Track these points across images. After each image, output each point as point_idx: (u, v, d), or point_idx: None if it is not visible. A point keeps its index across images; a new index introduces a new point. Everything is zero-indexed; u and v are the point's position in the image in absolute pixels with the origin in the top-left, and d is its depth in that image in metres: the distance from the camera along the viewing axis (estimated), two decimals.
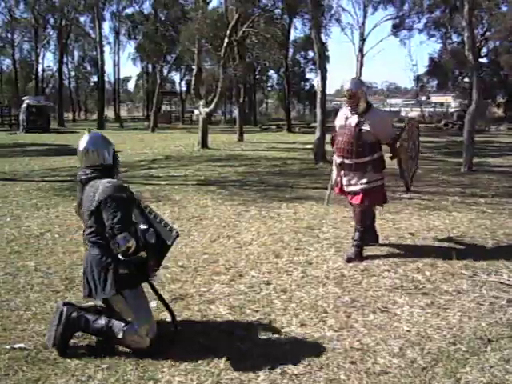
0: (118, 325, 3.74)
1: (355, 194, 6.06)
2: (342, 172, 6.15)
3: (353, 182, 6.05)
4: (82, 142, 4.06)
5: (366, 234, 6.22)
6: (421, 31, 45.98)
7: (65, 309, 3.86)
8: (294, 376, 3.47)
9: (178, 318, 4.36)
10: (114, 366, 3.59)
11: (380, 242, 6.61)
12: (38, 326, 4.25)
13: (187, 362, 3.64)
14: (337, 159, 6.21)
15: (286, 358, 3.71)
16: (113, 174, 4.03)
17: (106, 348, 3.79)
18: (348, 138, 6.01)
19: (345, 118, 6.14)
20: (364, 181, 6.00)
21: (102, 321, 3.81)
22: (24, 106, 35.25)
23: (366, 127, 5.94)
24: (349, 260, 5.91)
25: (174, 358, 3.69)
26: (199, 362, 3.65)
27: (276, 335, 4.09)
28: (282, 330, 4.18)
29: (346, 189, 6.16)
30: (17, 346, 3.92)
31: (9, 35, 56.08)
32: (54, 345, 3.80)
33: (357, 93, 6.01)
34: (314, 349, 3.87)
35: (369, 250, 6.35)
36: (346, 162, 6.05)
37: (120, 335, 3.71)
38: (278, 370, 3.54)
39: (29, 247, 6.58)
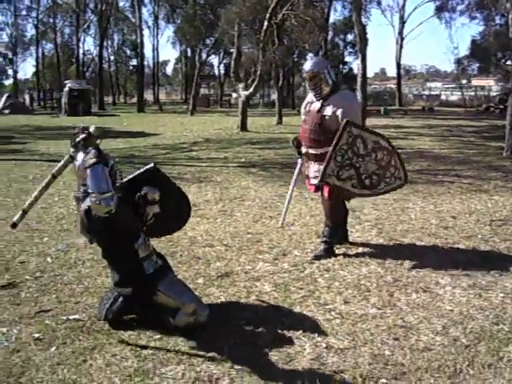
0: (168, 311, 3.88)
1: (322, 186, 5.46)
2: (308, 163, 5.66)
3: (318, 173, 5.35)
4: (78, 157, 3.97)
5: (338, 230, 5.71)
6: (463, 13, 45.09)
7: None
8: (339, 350, 3.58)
9: (225, 294, 4.53)
10: (166, 337, 3.75)
11: (350, 240, 6.03)
12: (91, 299, 4.45)
13: (235, 335, 3.78)
14: (302, 149, 5.71)
15: (331, 333, 3.83)
16: None
17: (157, 321, 3.95)
18: (311, 126, 5.46)
19: (309, 103, 5.62)
20: None
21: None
22: (66, 89, 35.86)
23: (329, 113, 5.35)
24: (317, 258, 5.42)
25: (223, 331, 3.83)
26: (247, 335, 3.80)
27: (321, 311, 4.20)
28: (327, 307, 4.29)
29: (312, 181, 5.61)
30: (72, 317, 4.13)
31: (51, 20, 57.03)
32: (105, 319, 3.99)
33: (318, 74, 5.40)
34: (358, 325, 3.97)
35: (410, 232, 6.41)
36: (311, 151, 5.52)
37: (172, 321, 3.85)
38: (323, 344, 3.66)
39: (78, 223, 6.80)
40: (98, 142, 3.95)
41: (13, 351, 3.60)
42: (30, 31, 64.18)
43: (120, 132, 20.88)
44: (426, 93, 59.26)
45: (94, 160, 3.67)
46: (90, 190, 3.61)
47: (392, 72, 72.55)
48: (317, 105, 5.49)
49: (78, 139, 3.91)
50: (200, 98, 46.22)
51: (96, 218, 3.66)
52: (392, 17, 68.51)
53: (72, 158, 3.97)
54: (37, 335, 3.82)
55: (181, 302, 3.82)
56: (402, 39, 49.50)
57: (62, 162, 3.96)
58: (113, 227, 3.73)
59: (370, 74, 70.87)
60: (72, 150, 3.97)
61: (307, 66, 5.62)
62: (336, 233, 5.64)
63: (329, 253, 5.51)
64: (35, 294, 4.59)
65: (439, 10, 46.82)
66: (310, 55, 38.81)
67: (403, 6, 49.52)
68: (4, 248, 5.89)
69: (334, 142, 5.08)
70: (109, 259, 3.98)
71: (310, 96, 5.67)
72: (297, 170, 6.01)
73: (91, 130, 3.98)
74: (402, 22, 49.51)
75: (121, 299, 3.92)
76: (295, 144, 5.84)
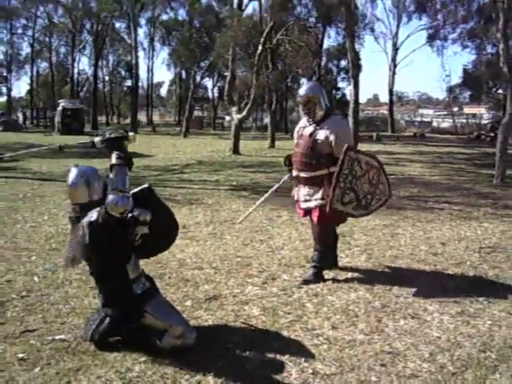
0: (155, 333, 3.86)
1: (312, 210, 5.51)
2: (298, 187, 5.69)
3: (308, 197, 5.49)
4: (71, 176, 3.97)
5: (327, 254, 5.70)
6: (455, 42, 45.67)
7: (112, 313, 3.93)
8: (325, 376, 3.57)
9: (213, 317, 4.51)
10: (152, 359, 3.72)
11: (340, 265, 6.00)
12: (77, 320, 4.41)
13: (223, 359, 3.76)
14: (293, 172, 5.73)
15: (318, 358, 3.81)
16: None
17: (144, 343, 3.92)
18: (303, 149, 5.51)
19: (302, 127, 5.69)
20: (319, 196, 5.41)
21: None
22: (59, 108, 35.98)
23: (321, 137, 5.40)
24: (305, 282, 5.37)
25: (210, 354, 3.81)
26: (234, 359, 3.77)
27: (308, 336, 4.19)
28: (314, 332, 4.27)
29: (302, 205, 5.62)
30: (57, 337, 4.09)
31: (47, 39, 57.27)
32: (90, 340, 3.96)
33: (313, 98, 5.50)
34: (346, 351, 3.96)
35: (399, 258, 6.42)
36: (302, 175, 5.56)
37: (159, 343, 3.82)
38: (310, 370, 3.64)
39: (66, 244, 6.76)
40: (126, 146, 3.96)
41: None
42: (26, 49, 64.38)
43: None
44: (418, 119, 59.82)
45: (121, 160, 3.74)
46: (111, 187, 3.68)
47: (385, 98, 73.26)
48: (309, 129, 5.54)
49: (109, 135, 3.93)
50: (193, 121, 46.45)
51: (97, 230, 3.66)
52: (385, 44, 69.36)
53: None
54: (21, 355, 3.78)
55: (168, 324, 3.80)
56: (395, 66, 50.05)
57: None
58: (110, 244, 3.72)
59: (362, 99, 71.63)
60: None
61: (302, 90, 5.66)
62: (325, 257, 5.61)
63: (318, 277, 5.46)
64: (21, 314, 4.55)
65: (431, 39, 47.38)
66: (303, 80, 39.18)
67: (396, 33, 50.21)
68: None
69: (337, 170, 5.13)
70: (98, 278, 3.95)
71: (304, 121, 5.73)
72: (281, 182, 6.06)
73: (130, 134, 4.03)
74: (395, 49, 50.11)
75: (107, 320, 3.90)
76: (287, 163, 5.88)
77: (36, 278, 5.46)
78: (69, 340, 4.04)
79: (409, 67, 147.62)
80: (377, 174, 5.40)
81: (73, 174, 3.96)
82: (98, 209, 3.72)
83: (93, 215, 3.72)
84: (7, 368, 3.60)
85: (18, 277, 5.51)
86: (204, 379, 3.47)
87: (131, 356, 3.78)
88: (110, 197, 3.65)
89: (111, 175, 3.74)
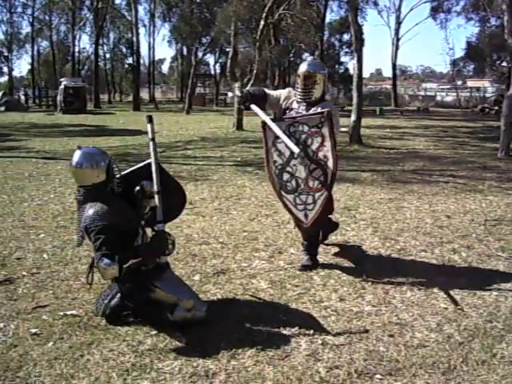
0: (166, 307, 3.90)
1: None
2: None
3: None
4: (75, 158, 3.90)
5: (318, 239, 5.37)
6: (459, 14, 45.24)
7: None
8: (334, 346, 3.62)
9: (221, 291, 4.56)
10: (163, 333, 3.77)
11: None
12: (88, 295, 4.46)
13: (232, 332, 3.81)
14: None
15: (327, 329, 3.86)
16: (105, 194, 3.91)
17: (155, 317, 3.97)
18: None
19: (288, 100, 5.15)
20: None
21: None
22: (61, 87, 35.77)
23: None
24: (304, 268, 5.09)
25: (220, 328, 3.86)
26: (244, 331, 3.83)
27: (316, 308, 4.24)
28: (322, 304, 4.32)
29: None
30: (69, 312, 4.15)
31: (47, 17, 56.83)
32: (102, 314, 4.02)
33: (314, 76, 5.04)
34: (354, 322, 4.01)
35: (405, 231, 6.45)
36: None
37: (170, 317, 3.87)
38: (319, 341, 3.69)
39: (74, 222, 6.74)
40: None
41: (10, 346, 3.62)
42: (26, 28, 64.18)
43: (116, 130, 20.87)
44: (422, 93, 59.39)
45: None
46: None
47: (388, 72, 72.77)
48: (302, 108, 5.04)
49: None
50: (196, 97, 46.19)
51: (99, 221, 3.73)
52: (388, 17, 68.31)
53: None
54: (34, 330, 3.84)
55: (178, 297, 3.85)
56: (398, 40, 49.56)
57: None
58: (116, 223, 3.75)
59: (365, 74, 71.08)
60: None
61: (305, 65, 5.17)
62: (316, 243, 5.32)
63: (315, 262, 5.20)
64: (32, 290, 4.60)
65: (434, 11, 46.91)
66: (306, 55, 38.95)
67: (399, 6, 49.59)
68: (0, 244, 5.89)
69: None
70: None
71: (290, 93, 5.18)
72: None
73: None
74: (398, 23, 49.56)
75: (118, 295, 3.95)
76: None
77: (45, 255, 5.52)
78: (80, 315, 4.10)
79: (412, 41, 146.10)
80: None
81: (77, 155, 3.90)
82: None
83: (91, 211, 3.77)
84: (21, 343, 3.66)
85: (27, 254, 5.57)
86: (215, 351, 3.52)
87: (142, 330, 3.83)
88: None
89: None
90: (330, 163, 4.71)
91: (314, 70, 5.09)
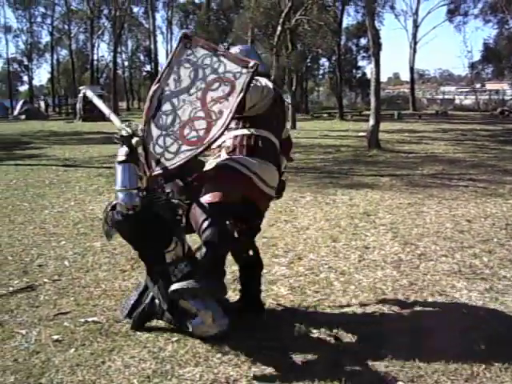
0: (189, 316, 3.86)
1: None
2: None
3: None
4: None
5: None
6: (476, 17, 45.03)
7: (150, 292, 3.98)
8: (355, 353, 3.59)
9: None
10: (183, 339, 3.78)
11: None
12: (109, 302, 4.49)
13: (253, 338, 3.80)
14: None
15: (348, 335, 3.84)
16: None
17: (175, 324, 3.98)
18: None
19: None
20: None
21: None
22: (80, 95, 35.91)
23: None
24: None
25: (240, 333, 3.86)
26: (264, 338, 3.82)
27: (337, 315, 4.22)
28: (343, 310, 4.30)
29: None
30: (90, 319, 4.17)
31: (66, 27, 57.56)
32: (126, 316, 4.04)
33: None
34: (374, 328, 3.98)
35: (425, 236, 6.40)
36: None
37: (190, 328, 3.84)
38: (340, 347, 3.67)
39: (94, 229, 6.86)
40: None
41: (32, 353, 3.65)
42: (45, 38, 64.93)
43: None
44: (440, 97, 59.05)
45: (123, 158, 3.69)
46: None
47: (405, 76, 72.50)
48: None
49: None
50: None
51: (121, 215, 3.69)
52: (405, 21, 68.39)
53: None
54: (56, 337, 3.86)
55: (198, 308, 3.83)
56: (416, 43, 49.42)
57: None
58: (140, 228, 3.75)
59: (383, 78, 70.86)
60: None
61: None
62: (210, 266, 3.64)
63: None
64: (54, 297, 4.64)
65: (451, 14, 46.70)
66: (323, 60, 38.85)
67: (416, 10, 49.48)
68: (22, 251, 5.96)
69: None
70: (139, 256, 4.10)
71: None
72: None
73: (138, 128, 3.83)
74: (416, 26, 49.43)
75: (147, 301, 3.96)
76: None
77: (66, 262, 5.57)
78: (101, 322, 4.12)
79: (429, 44, 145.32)
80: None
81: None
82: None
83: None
84: (43, 349, 3.69)
85: (48, 261, 5.62)
86: (236, 357, 3.52)
87: (163, 336, 3.84)
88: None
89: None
90: (220, 123, 3.54)
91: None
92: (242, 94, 3.52)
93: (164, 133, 3.68)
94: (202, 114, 3.61)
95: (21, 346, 3.76)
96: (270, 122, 3.91)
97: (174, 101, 3.70)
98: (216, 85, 3.61)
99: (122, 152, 3.70)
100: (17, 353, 3.65)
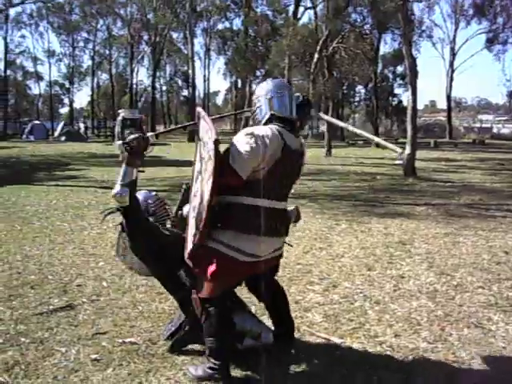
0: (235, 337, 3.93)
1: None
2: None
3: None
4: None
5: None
6: None
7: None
8: (391, 383, 3.59)
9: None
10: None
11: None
12: (145, 324, 4.56)
13: (287, 364, 3.83)
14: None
15: (382, 365, 3.83)
16: None
17: None
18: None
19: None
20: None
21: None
22: (119, 118, 36.80)
23: None
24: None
25: (274, 359, 3.89)
26: (299, 365, 3.84)
27: (371, 344, 4.22)
28: (377, 340, 4.29)
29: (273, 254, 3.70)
30: (127, 340, 4.25)
31: (106, 51, 59.02)
32: (167, 338, 4.14)
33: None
34: (409, 359, 3.97)
35: (461, 267, 6.34)
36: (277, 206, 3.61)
37: (240, 346, 3.90)
38: (375, 377, 3.66)
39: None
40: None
41: (71, 371, 3.74)
42: (87, 62, 66.66)
43: (171, 161, 21.28)
44: (477, 125, 58.47)
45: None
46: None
47: (442, 104, 72.00)
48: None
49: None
50: None
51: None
52: (443, 49, 68.11)
53: None
54: (94, 356, 3.95)
55: (245, 327, 3.91)
56: (453, 71, 49.23)
57: None
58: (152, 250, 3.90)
59: (419, 106, 70.32)
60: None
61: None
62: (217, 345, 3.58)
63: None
64: (92, 317, 4.74)
65: (490, 43, 46.40)
66: (359, 87, 38.88)
67: (454, 38, 49.37)
68: (62, 271, 6.11)
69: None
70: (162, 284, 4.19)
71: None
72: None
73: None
74: (453, 54, 49.27)
75: (186, 328, 4.03)
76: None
77: (104, 283, 5.68)
78: (138, 343, 4.19)
79: (467, 72, 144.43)
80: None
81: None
82: None
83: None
84: (82, 368, 3.78)
85: (87, 281, 5.74)
86: (271, 381, 3.55)
87: (199, 359, 3.88)
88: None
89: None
90: (202, 207, 3.37)
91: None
92: (210, 179, 3.26)
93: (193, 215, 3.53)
94: (199, 199, 3.46)
95: (60, 363, 3.86)
96: (268, 180, 3.46)
97: (198, 182, 3.57)
98: (208, 164, 3.35)
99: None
100: (56, 370, 3.75)
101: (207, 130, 3.40)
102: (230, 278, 3.58)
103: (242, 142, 3.39)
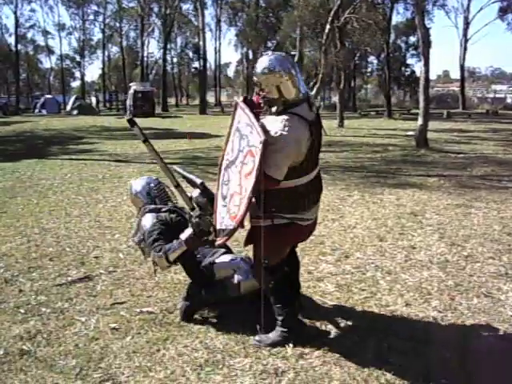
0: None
1: None
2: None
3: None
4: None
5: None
6: None
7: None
8: (400, 350, 3.67)
9: None
10: (234, 331, 3.93)
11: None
12: (162, 294, 4.70)
13: (301, 332, 3.93)
14: None
15: (393, 333, 3.92)
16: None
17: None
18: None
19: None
20: None
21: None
22: (131, 91, 36.89)
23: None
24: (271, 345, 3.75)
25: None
26: (311, 332, 3.94)
27: (382, 312, 4.32)
28: (388, 309, 4.39)
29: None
30: (145, 309, 4.38)
31: (117, 24, 58.73)
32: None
33: (265, 81, 3.60)
34: (420, 327, 4.07)
35: (472, 238, 6.40)
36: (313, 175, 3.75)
37: (241, 290, 4.07)
38: (385, 344, 3.76)
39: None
40: None
41: (92, 339, 3.88)
42: (97, 35, 66.45)
43: (183, 133, 21.31)
44: (491, 96, 57.82)
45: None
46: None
47: (455, 74, 71.33)
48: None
49: None
50: None
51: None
52: (456, 18, 67.07)
53: None
54: (113, 325, 4.09)
55: (232, 266, 4.17)
56: (467, 41, 48.54)
57: None
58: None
59: (432, 76, 69.76)
60: None
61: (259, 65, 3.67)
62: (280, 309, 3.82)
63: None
64: (110, 287, 4.88)
65: (503, 12, 45.64)
66: (372, 58, 38.50)
67: (468, 7, 48.61)
68: (79, 243, 6.24)
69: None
70: None
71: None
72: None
73: None
74: (467, 24, 48.54)
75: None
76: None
77: (121, 255, 5.81)
78: (155, 312, 4.32)
79: (481, 42, 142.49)
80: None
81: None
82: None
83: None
84: (101, 336, 3.92)
85: (104, 253, 5.88)
86: (284, 350, 3.66)
87: (214, 328, 4.01)
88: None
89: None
90: (244, 201, 3.37)
91: (260, 74, 3.63)
92: (254, 175, 3.28)
93: (223, 203, 3.60)
94: (238, 189, 3.47)
95: (80, 332, 4.00)
96: (306, 161, 3.57)
97: (229, 171, 3.61)
98: (247, 158, 3.40)
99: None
100: (77, 339, 3.90)
101: (248, 125, 3.43)
102: (287, 244, 3.85)
103: (275, 148, 3.34)
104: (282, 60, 3.58)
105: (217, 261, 4.22)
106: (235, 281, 4.06)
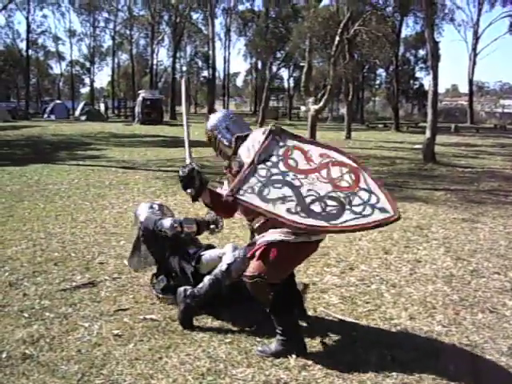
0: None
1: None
2: None
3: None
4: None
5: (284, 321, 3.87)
6: None
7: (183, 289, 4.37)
8: (403, 363, 3.65)
9: None
10: (237, 341, 3.93)
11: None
12: (165, 301, 4.69)
13: (300, 343, 3.92)
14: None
15: (396, 346, 3.90)
16: None
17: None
18: None
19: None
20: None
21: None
22: (139, 99, 37.04)
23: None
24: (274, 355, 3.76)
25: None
26: (314, 344, 3.94)
27: (386, 325, 4.30)
28: (392, 322, 4.37)
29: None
30: (148, 316, 4.38)
31: (127, 32, 59.03)
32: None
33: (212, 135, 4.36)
34: (423, 341, 4.04)
35: (478, 253, 6.38)
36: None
37: (232, 274, 4.20)
38: (389, 357, 3.74)
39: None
40: None
41: (94, 345, 3.87)
42: (107, 42, 66.83)
43: (191, 141, 21.29)
44: (499, 110, 57.76)
45: None
46: None
47: (464, 88, 71.10)
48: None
49: None
50: (269, 111, 46.60)
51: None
52: (465, 32, 66.86)
53: None
54: (116, 332, 4.08)
55: (219, 253, 4.53)
56: (476, 55, 48.51)
57: None
58: None
59: (441, 89, 69.69)
60: None
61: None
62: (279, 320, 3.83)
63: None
64: (114, 294, 4.88)
65: None
66: (380, 70, 38.46)
67: (477, 21, 48.63)
68: (84, 249, 6.25)
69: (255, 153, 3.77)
70: None
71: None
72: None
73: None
74: (476, 38, 48.55)
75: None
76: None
77: (126, 262, 5.79)
78: (158, 319, 4.32)
79: (490, 56, 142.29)
80: (350, 174, 3.80)
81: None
82: None
83: None
84: (104, 342, 3.91)
85: (109, 259, 5.88)
86: (286, 361, 3.64)
87: (217, 337, 4.00)
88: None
89: None
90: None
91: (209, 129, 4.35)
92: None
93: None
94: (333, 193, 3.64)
95: (83, 338, 4.00)
96: None
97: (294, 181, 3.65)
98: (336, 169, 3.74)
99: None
100: (80, 344, 3.89)
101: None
102: (295, 262, 4.02)
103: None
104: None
105: (202, 253, 4.54)
106: (224, 266, 4.20)
